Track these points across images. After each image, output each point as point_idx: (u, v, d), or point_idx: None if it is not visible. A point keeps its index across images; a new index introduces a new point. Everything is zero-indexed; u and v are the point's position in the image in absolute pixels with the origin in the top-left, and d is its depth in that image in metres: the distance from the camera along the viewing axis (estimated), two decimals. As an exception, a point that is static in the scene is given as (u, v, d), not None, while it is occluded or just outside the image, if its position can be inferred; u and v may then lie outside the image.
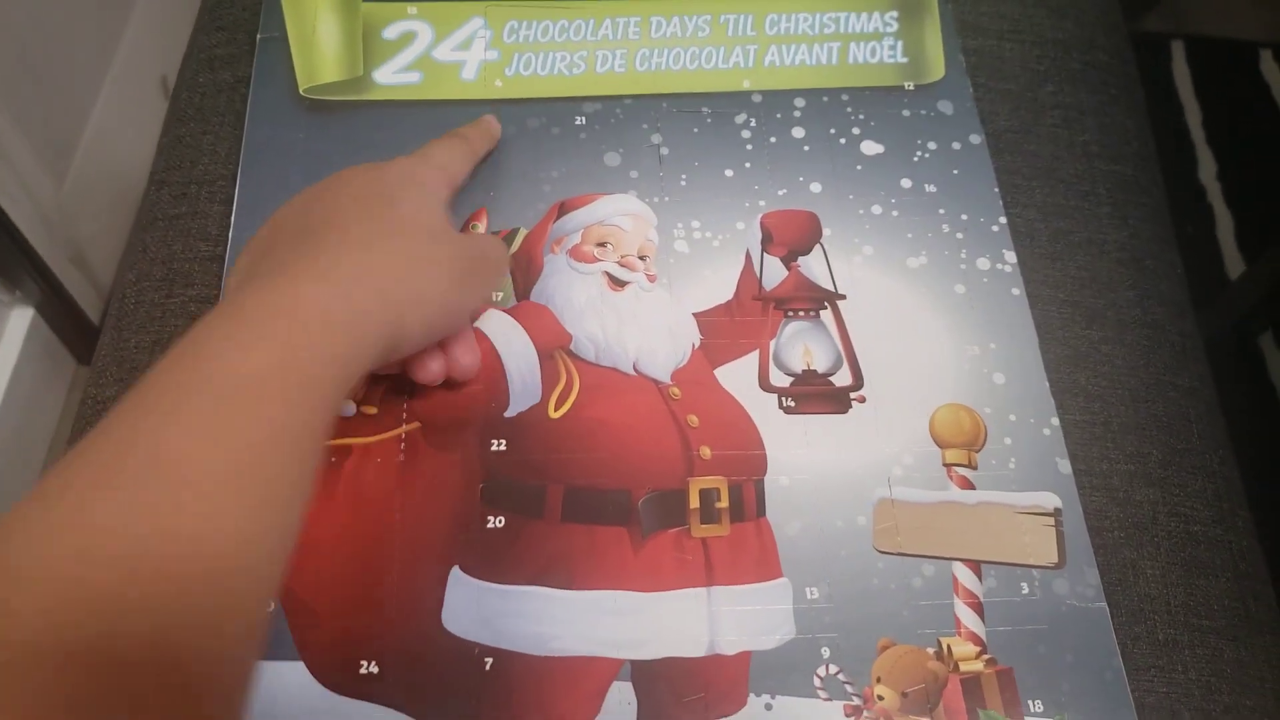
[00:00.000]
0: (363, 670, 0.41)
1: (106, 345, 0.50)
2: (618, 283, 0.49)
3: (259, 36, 0.56)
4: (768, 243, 0.51)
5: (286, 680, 0.40)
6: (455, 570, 0.43)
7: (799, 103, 0.55)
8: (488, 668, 0.41)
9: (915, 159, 0.54)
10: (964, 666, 0.43)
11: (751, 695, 0.42)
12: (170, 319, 0.50)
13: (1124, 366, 0.52)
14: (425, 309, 0.39)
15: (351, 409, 0.45)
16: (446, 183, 0.46)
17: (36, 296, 1.03)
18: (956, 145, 0.55)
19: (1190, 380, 0.53)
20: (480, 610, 0.42)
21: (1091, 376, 0.52)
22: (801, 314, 0.50)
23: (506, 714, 0.40)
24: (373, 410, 0.46)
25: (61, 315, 1.05)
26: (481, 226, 0.50)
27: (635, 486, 0.45)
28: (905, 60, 0.57)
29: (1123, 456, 0.50)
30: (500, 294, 0.49)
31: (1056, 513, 0.46)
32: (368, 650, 0.41)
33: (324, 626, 0.41)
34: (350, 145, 0.52)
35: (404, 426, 0.45)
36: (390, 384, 0.46)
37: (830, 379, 0.49)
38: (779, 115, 0.55)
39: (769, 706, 0.41)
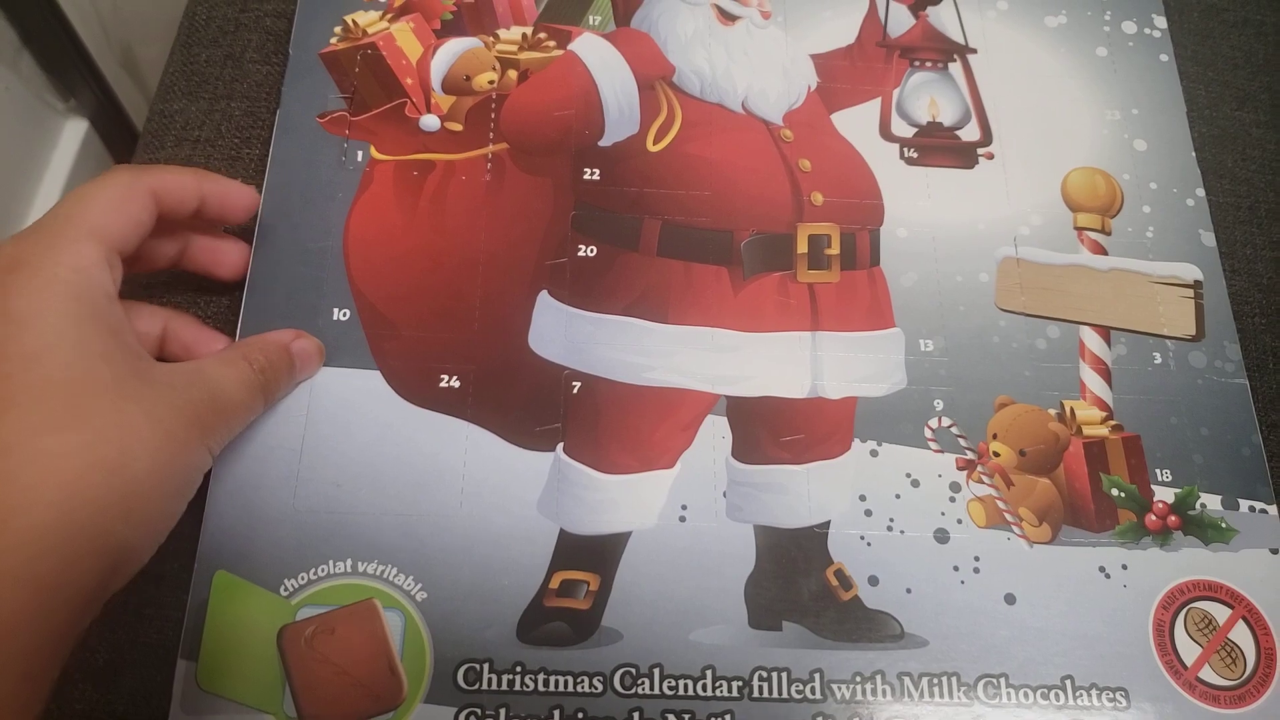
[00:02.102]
0: (443, 384, 0.38)
1: (175, 61, 0.47)
2: (728, 16, 0.45)
3: None
4: (894, -12, 0.47)
5: (360, 387, 0.38)
6: (543, 295, 0.40)
7: None
8: (575, 391, 0.38)
9: (1060, -88, 0.49)
10: (1087, 430, 0.39)
11: (856, 440, 0.39)
12: (244, 33, 0.46)
13: (1276, 151, 0.47)
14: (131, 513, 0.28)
15: (435, 124, 0.42)
16: (93, 254, 0.31)
17: (92, 108, 1.00)
18: (1106, -99, 0.50)
19: (1346, 174, 0.48)
20: (569, 336, 0.39)
21: (1239, 160, 0.47)
22: (929, 65, 0.45)
23: (593, 438, 0.38)
24: (458, 127, 0.42)
25: (116, 131, 1.02)
26: (582, -55, 0.46)
27: (738, 228, 0.41)
28: None
29: (1268, 243, 0.45)
30: (598, 17, 0.45)
31: (1196, 285, 0.42)
32: (449, 364, 0.38)
33: (402, 340, 0.39)
34: None
35: (491, 146, 0.42)
36: (476, 102, 0.42)
37: (956, 133, 0.44)
38: None
39: (874, 453, 0.38)
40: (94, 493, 0.27)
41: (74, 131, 1.03)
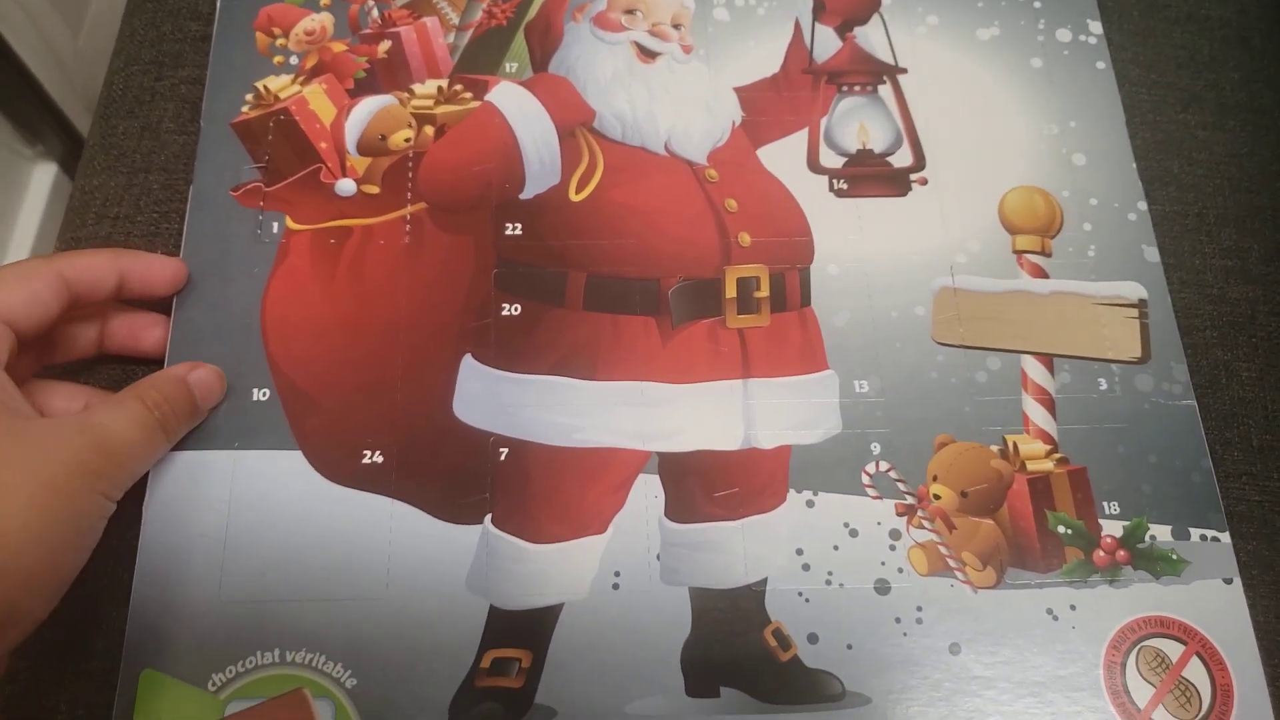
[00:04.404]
0: (366, 460, 0.37)
1: (95, 133, 0.46)
2: (648, 54, 0.44)
3: None
4: (820, 11, 0.45)
5: (282, 470, 0.37)
6: (467, 358, 0.39)
7: None
8: (502, 458, 0.38)
9: (989, -81, 0.48)
10: (1031, 466, 0.38)
11: (792, 491, 0.38)
12: (159, 102, 0.46)
13: (1223, 154, 0.46)
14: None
15: (351, 188, 0.41)
16: None
17: (59, 152, 1.00)
18: (1037, -96, 0.48)
19: (1299, 171, 0.47)
20: (495, 399, 0.38)
21: (1185, 164, 0.45)
22: (857, 89, 0.44)
23: (522, 506, 0.37)
24: (374, 190, 0.41)
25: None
26: (495, -10, 0.45)
27: (665, 275, 0.40)
28: None
29: (1218, 251, 0.44)
30: (515, 64, 0.44)
31: (1141, 304, 0.41)
32: (371, 439, 0.38)
33: (324, 414, 0.38)
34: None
35: (409, 207, 0.41)
36: (392, 162, 0.42)
37: (888, 159, 0.43)
38: None
39: (810, 504, 0.37)
40: None
41: (43, 175, 1.03)
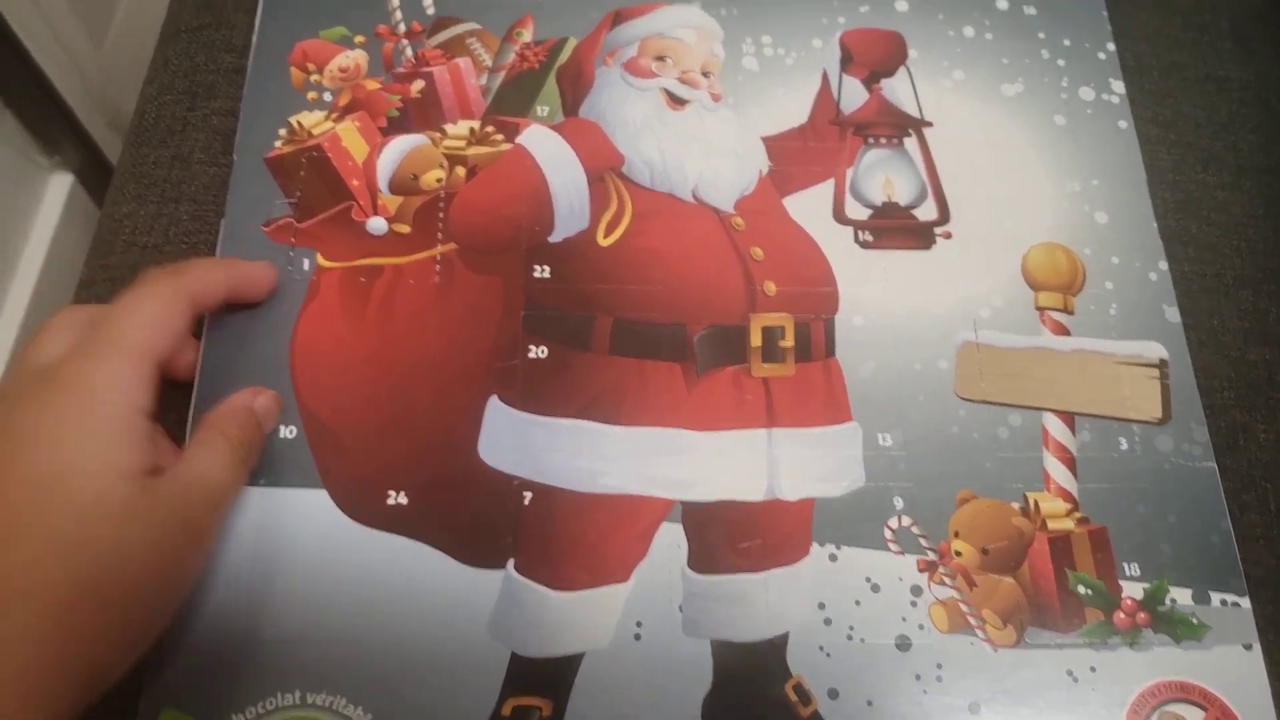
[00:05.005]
0: (390, 501, 0.37)
1: (125, 160, 0.46)
2: (677, 101, 0.44)
3: None
4: (847, 63, 0.46)
5: (307, 509, 0.37)
6: (493, 400, 0.39)
7: (885, -87, 0.49)
8: (527, 502, 0.38)
9: (1015, -23, 0.48)
10: (1052, 524, 0.39)
11: (815, 544, 0.38)
12: (191, 133, 0.46)
13: (1242, 215, 0.46)
14: (116, 631, 0.29)
15: (383, 227, 0.41)
16: (135, 373, 0.32)
17: (76, 162, 1.00)
18: (1062, -37, 0.49)
19: (1317, 234, 0.48)
20: (520, 442, 0.38)
21: (1204, 225, 0.46)
22: (883, 141, 0.45)
23: (545, 552, 0.37)
24: (405, 229, 0.42)
25: (100, 182, 1.02)
26: (527, 34, 0.45)
27: (691, 321, 0.40)
28: None
29: (1236, 312, 0.44)
30: (546, 107, 0.44)
31: (1162, 364, 0.41)
32: (396, 480, 0.38)
33: (349, 453, 0.38)
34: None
35: (439, 247, 0.41)
36: (424, 201, 0.42)
37: (913, 212, 0.44)
38: (863, -75, 0.49)
39: (834, 557, 0.38)
40: (84, 624, 0.28)
41: (59, 185, 1.03)
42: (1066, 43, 0.47)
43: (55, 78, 0.89)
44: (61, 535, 0.28)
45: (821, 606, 0.37)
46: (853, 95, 0.45)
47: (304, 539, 0.37)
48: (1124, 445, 0.40)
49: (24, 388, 0.31)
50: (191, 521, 0.32)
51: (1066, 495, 0.39)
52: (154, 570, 0.30)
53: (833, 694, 0.35)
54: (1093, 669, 0.36)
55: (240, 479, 0.35)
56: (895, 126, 0.45)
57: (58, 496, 0.29)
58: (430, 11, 0.46)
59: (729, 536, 0.38)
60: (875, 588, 0.37)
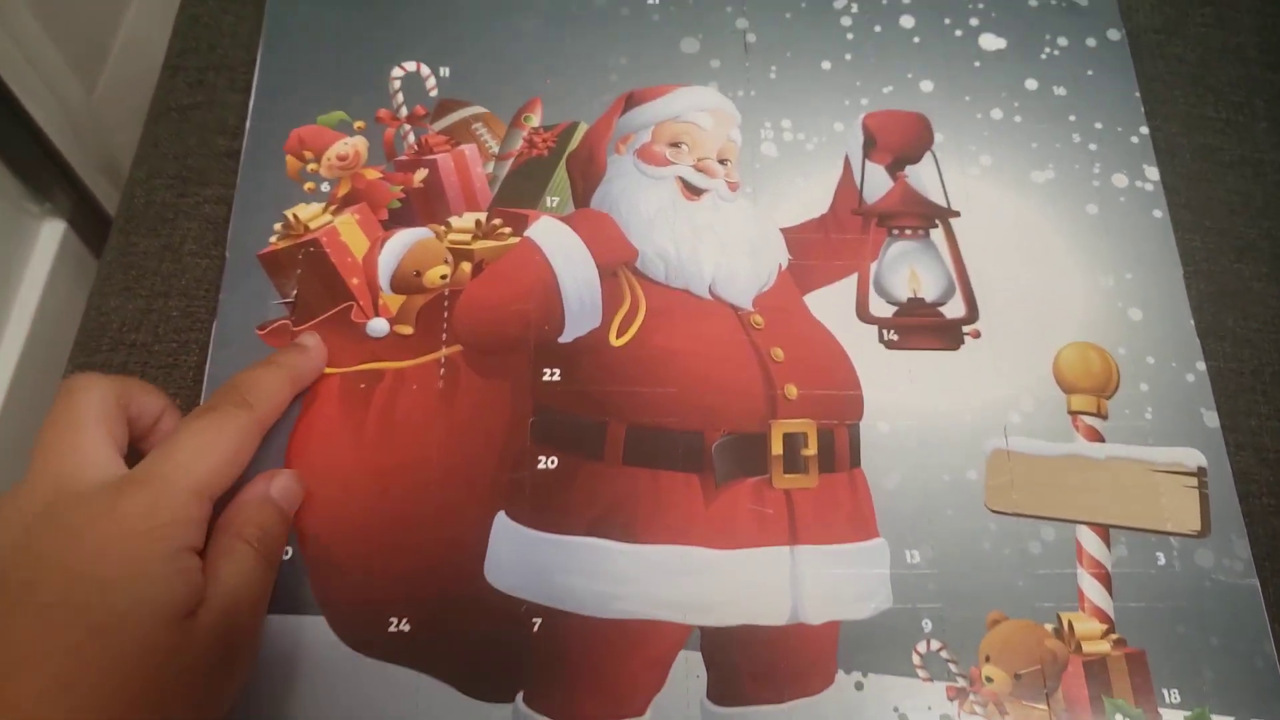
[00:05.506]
0: (392, 628, 0.35)
1: (113, 249, 0.44)
2: (693, 190, 0.42)
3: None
4: (870, 148, 0.44)
5: (305, 637, 0.35)
6: (500, 516, 0.37)
7: (906, -13, 0.48)
8: (535, 629, 0.36)
9: (1043, 56, 0.46)
10: (1087, 647, 0.37)
11: (840, 672, 0.36)
12: (182, 221, 0.44)
13: (1279, 308, 0.45)
14: None
15: (384, 329, 0.39)
16: (198, 515, 0.32)
17: (68, 210, 0.98)
18: (1092, 42, 0.47)
19: (1355, 324, 0.46)
20: (529, 562, 0.36)
21: (1240, 319, 0.44)
22: (908, 232, 0.43)
23: (556, 683, 0.35)
24: (408, 330, 0.40)
25: (93, 228, 1.00)
26: (535, 119, 0.43)
27: (708, 428, 0.39)
28: (1032, -60, 0.49)
29: (1274, 411, 0.43)
30: (556, 198, 0.42)
31: (1200, 472, 0.40)
32: (398, 606, 0.36)
33: (349, 578, 0.36)
34: (388, 26, 0.45)
35: (444, 350, 0.39)
36: (427, 300, 0.40)
37: (940, 309, 0.42)
38: (885, 0, 0.47)
39: (860, 685, 0.36)
40: None
41: (51, 233, 1.01)
42: (1098, 126, 0.45)
43: (45, 125, 0.87)
44: (108, 686, 0.28)
45: (848, 743, 0.35)
46: (876, 183, 0.44)
47: (301, 670, 0.35)
48: (1161, 560, 0.38)
49: (77, 502, 0.30)
50: (231, 650, 0.31)
51: (1102, 615, 0.37)
52: (192, 704, 0.30)
53: (861, 840, 0.34)
54: (1134, 810, 0.34)
55: (270, 580, 0.33)
56: (921, 216, 0.43)
57: (111, 647, 0.28)
58: (434, 94, 0.44)
59: (750, 663, 0.36)
60: (903, 718, 0.35)
